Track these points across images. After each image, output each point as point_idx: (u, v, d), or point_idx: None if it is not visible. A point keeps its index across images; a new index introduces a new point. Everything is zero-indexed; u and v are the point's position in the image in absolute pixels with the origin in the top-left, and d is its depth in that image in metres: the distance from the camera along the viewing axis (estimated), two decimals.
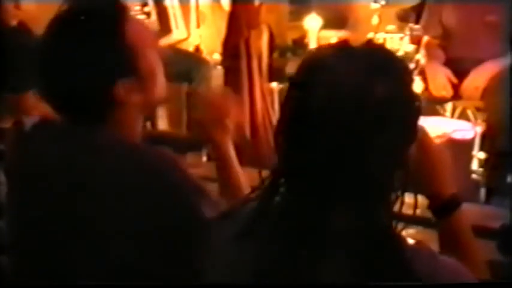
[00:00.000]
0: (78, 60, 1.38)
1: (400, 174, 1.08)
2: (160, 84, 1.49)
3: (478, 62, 3.66)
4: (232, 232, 1.13)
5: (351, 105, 1.04)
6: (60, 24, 1.42)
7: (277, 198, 1.12)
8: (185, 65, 3.97)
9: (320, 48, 1.18)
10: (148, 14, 4.28)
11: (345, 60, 1.08)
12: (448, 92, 3.73)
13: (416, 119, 1.12)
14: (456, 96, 3.77)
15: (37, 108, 2.50)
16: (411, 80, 1.12)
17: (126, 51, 1.40)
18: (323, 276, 1.05)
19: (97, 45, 1.38)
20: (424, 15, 4.08)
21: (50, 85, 1.43)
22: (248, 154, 3.66)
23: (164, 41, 4.14)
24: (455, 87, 3.73)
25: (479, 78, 3.64)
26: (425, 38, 3.98)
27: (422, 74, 3.82)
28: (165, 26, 4.24)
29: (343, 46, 1.12)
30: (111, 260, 1.35)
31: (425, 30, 4.01)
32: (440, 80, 3.74)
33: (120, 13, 1.42)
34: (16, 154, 1.54)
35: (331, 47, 1.13)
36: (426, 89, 3.70)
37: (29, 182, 1.46)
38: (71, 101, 1.41)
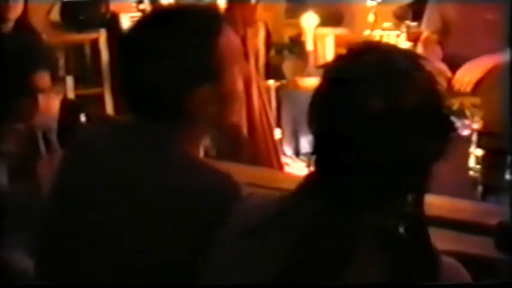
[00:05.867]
0: (167, 61, 1.38)
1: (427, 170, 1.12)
2: (236, 106, 1.49)
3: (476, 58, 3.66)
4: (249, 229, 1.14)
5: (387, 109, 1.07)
6: (154, 24, 1.43)
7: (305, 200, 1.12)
8: None
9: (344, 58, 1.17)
10: (143, 11, 4.27)
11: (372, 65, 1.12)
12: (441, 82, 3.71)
13: (445, 118, 1.18)
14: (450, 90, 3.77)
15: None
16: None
17: (213, 60, 1.40)
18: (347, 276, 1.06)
19: (187, 50, 1.39)
20: (427, 10, 4.07)
21: (134, 82, 1.43)
22: (245, 152, 3.65)
23: None
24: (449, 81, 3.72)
25: (472, 70, 3.63)
26: (425, 34, 3.98)
27: None
28: None
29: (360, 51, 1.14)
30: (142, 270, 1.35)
31: (426, 25, 4.00)
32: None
33: (217, 24, 1.44)
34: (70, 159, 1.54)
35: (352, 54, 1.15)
36: None
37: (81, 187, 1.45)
38: (150, 100, 1.41)
